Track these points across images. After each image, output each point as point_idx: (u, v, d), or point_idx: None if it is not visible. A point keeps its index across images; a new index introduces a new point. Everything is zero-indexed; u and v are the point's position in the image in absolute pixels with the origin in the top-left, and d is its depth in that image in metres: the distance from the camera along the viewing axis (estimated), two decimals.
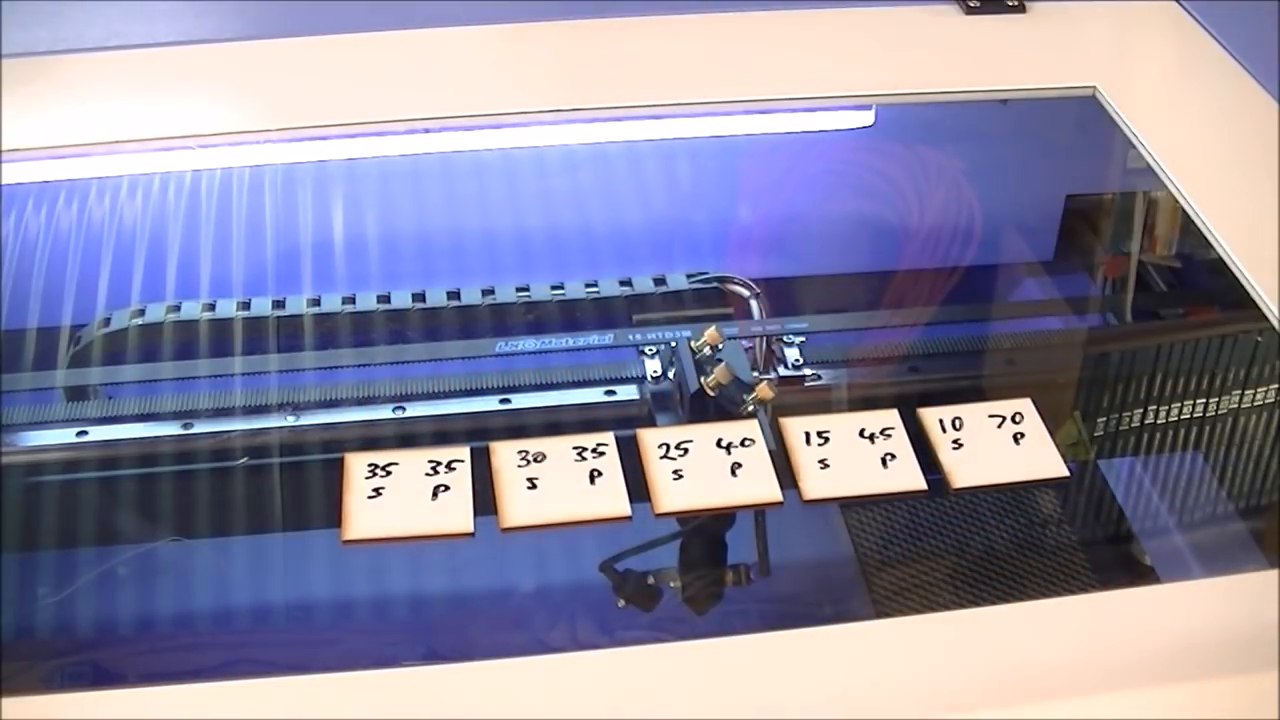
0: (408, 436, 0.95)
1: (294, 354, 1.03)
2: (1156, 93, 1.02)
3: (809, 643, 0.65)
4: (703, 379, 0.89)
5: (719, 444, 0.79)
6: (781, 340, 1.00)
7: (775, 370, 0.99)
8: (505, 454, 0.78)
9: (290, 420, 0.95)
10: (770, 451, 0.79)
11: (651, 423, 0.93)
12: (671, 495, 0.76)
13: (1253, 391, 1.01)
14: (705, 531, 0.92)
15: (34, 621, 0.90)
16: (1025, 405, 0.81)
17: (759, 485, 0.77)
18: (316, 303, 1.06)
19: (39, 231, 1.06)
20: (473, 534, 0.75)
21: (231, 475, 0.95)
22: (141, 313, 1.04)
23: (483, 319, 1.06)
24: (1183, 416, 1.02)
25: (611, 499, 0.76)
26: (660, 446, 0.79)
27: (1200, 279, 1.14)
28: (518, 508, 0.75)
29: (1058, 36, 1.05)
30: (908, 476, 0.78)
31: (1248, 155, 0.92)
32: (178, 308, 1.04)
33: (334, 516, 0.75)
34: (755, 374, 0.95)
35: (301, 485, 0.95)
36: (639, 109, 0.98)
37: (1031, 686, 0.63)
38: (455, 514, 0.75)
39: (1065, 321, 1.13)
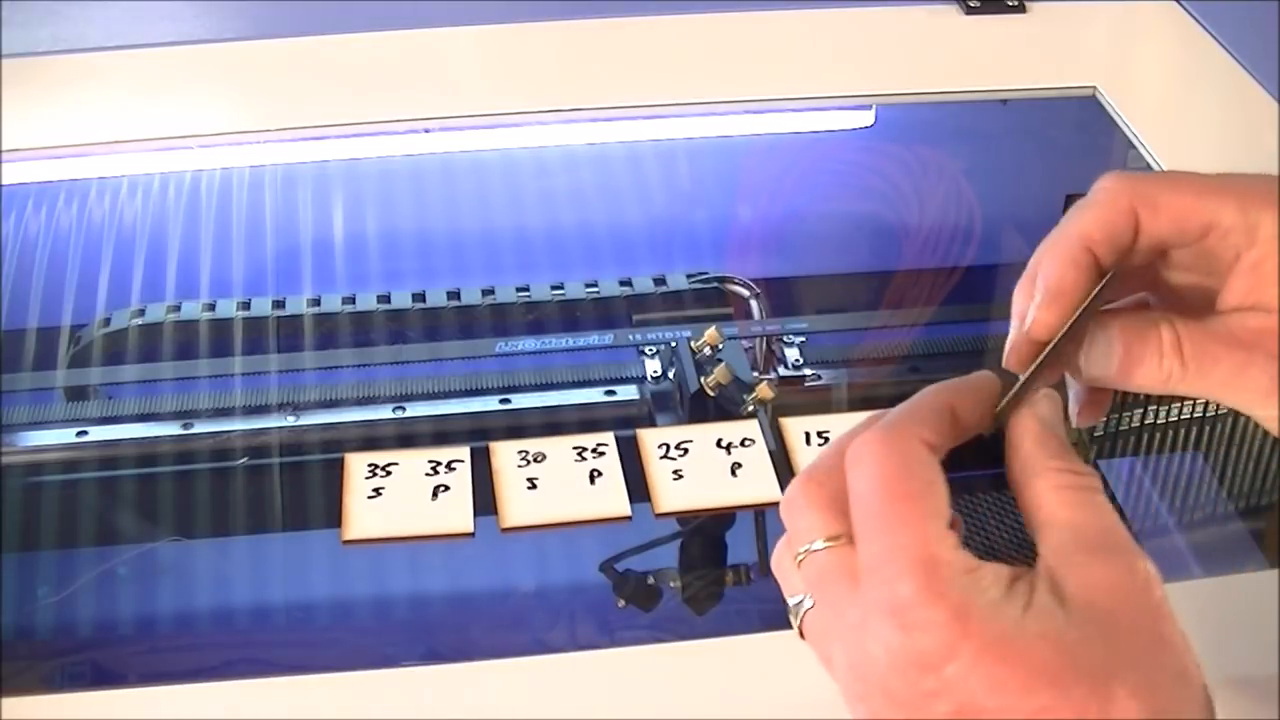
0: (408, 436, 0.95)
1: (294, 354, 1.03)
2: (1156, 93, 1.02)
3: None
4: (703, 379, 0.89)
5: (719, 444, 0.79)
6: (781, 340, 1.00)
7: (775, 370, 0.98)
8: (505, 454, 0.78)
9: (290, 420, 0.95)
10: (770, 451, 0.79)
11: (651, 423, 0.93)
12: (671, 495, 0.76)
13: None
14: (705, 531, 0.92)
15: (34, 621, 0.90)
16: None
17: (759, 485, 0.77)
18: (316, 303, 1.05)
19: (39, 231, 1.06)
20: (473, 534, 0.74)
21: (231, 475, 0.95)
22: (142, 313, 1.04)
23: (483, 319, 1.06)
24: (1183, 416, 1.02)
25: (611, 499, 0.76)
26: (660, 446, 0.79)
27: None
28: (518, 508, 0.75)
29: (1058, 36, 1.05)
30: None
31: (1248, 155, 0.92)
32: (178, 308, 1.04)
33: (334, 516, 0.75)
34: (755, 374, 0.95)
35: (301, 485, 0.95)
36: (639, 109, 0.98)
37: None
38: (455, 514, 0.75)
39: None
